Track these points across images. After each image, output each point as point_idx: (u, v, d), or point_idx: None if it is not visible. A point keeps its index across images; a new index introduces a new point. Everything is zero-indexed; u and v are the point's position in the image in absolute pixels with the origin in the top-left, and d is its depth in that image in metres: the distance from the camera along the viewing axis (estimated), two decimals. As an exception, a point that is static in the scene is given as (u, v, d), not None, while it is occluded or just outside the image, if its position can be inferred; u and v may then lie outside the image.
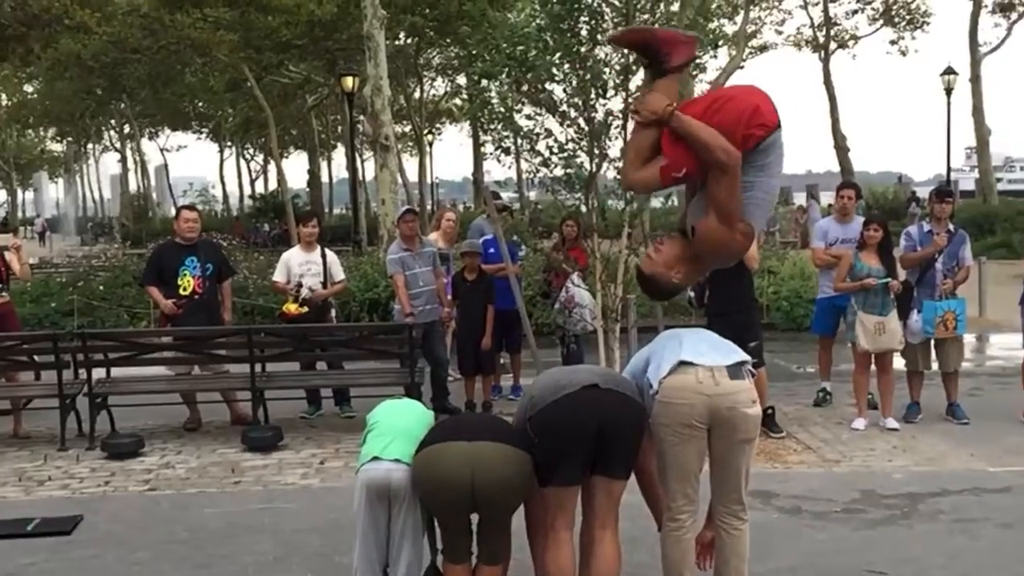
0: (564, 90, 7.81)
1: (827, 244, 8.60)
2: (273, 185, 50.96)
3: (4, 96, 46.00)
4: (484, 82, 8.36)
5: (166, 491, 6.69)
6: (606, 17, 7.91)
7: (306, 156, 47.01)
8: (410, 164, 50.82)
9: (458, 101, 42.09)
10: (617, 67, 7.75)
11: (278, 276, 9.03)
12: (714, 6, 27.62)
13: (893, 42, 35.74)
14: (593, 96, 7.67)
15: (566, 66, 7.68)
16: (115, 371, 8.28)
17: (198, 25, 23.48)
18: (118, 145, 56.87)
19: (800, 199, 34.14)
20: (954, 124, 28.91)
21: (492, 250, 9.23)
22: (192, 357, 8.47)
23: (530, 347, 8.32)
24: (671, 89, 3.85)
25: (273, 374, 8.37)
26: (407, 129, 45.36)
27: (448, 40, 27.95)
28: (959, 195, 45.66)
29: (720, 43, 8.85)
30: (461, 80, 36.82)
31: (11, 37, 21.43)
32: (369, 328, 10.41)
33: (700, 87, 26.87)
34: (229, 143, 54.53)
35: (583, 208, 8.15)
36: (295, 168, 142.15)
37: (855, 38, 36.43)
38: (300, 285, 8.75)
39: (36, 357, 8.41)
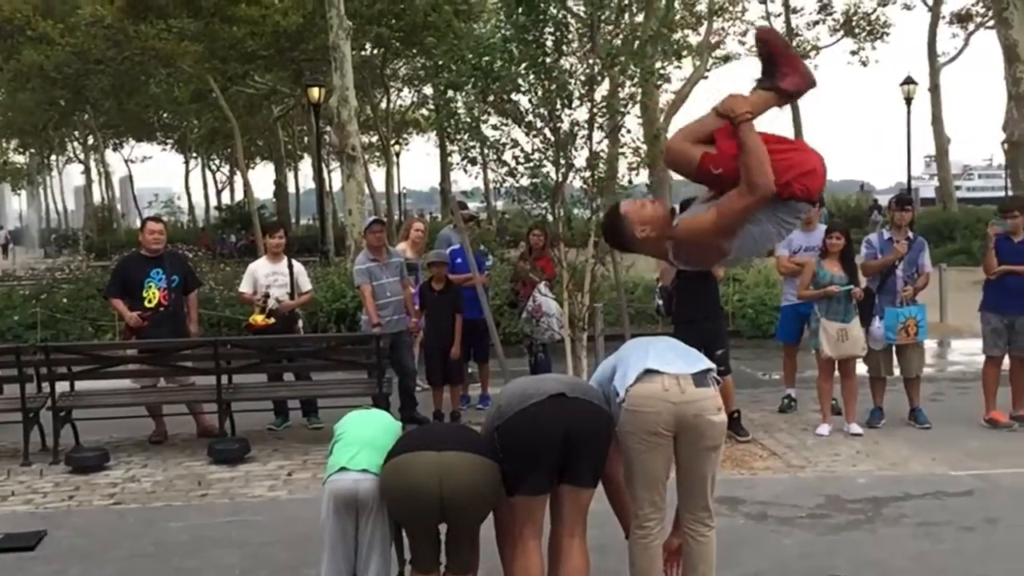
0: (530, 100, 7.85)
1: (791, 252, 8.69)
2: (239, 196, 50.68)
3: (-34, 108, 45.42)
4: (450, 92, 8.38)
5: (131, 505, 6.64)
6: (571, 28, 7.98)
7: (272, 167, 46.88)
8: (377, 174, 50.79)
9: (425, 111, 42.15)
10: (582, 77, 7.81)
11: (244, 287, 8.99)
12: (678, 17, 27.84)
13: (854, 52, 36.36)
14: (559, 106, 7.71)
15: (531, 76, 7.72)
16: (79, 384, 8.20)
17: (162, 36, 23.34)
18: (82, 156, 56.26)
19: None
20: (914, 133, 29.38)
21: (459, 260, 9.25)
22: (157, 369, 8.41)
23: (498, 356, 8.34)
24: (761, 104, 3.81)
25: (240, 386, 8.32)
26: (374, 139, 45.38)
27: (414, 51, 27.99)
28: (919, 203, 46.30)
29: (684, 53, 8.89)
30: (427, 90, 36.91)
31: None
32: (336, 339, 10.38)
33: (665, 97, 26.90)
34: (195, 154, 54.19)
35: (549, 217, 8.19)
36: (261, 179, 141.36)
37: (816, 48, 36.95)
38: (267, 296, 8.72)
39: (-1, 371, 8.32)
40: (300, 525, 5.73)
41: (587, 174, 7.93)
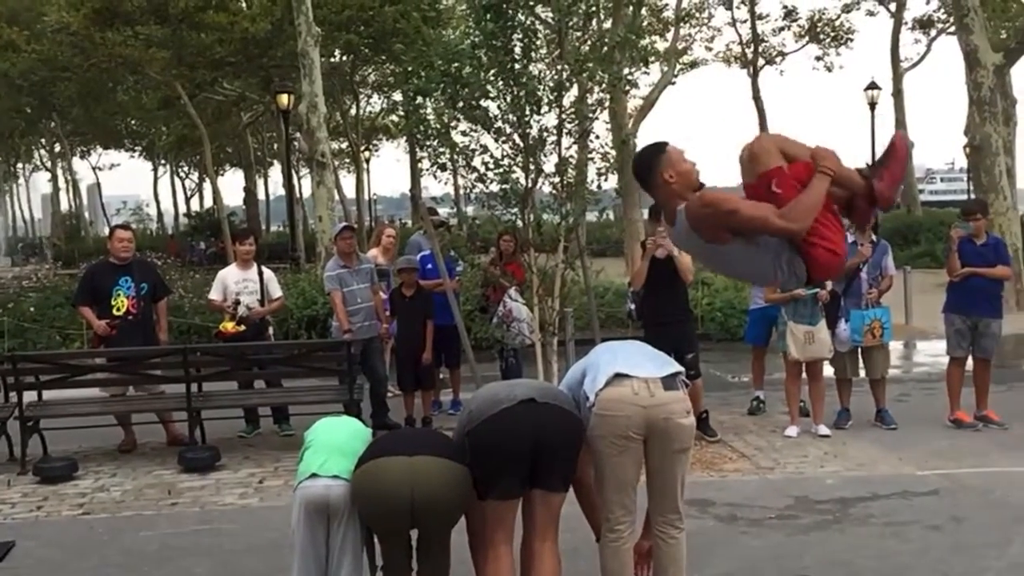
0: (499, 106, 7.87)
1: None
2: (209, 203, 50.44)
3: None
4: (419, 99, 8.39)
5: (100, 515, 6.59)
6: (539, 35, 8.02)
7: (242, 173, 46.59)
8: (347, 181, 50.75)
9: (394, 118, 42.04)
10: (551, 83, 7.85)
11: (214, 294, 8.95)
12: (645, 23, 28.00)
13: (819, 58, 36.68)
14: (528, 112, 7.74)
15: (500, 83, 7.75)
16: (47, 394, 8.11)
17: (129, 43, 23.19)
18: (49, 164, 55.75)
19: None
20: (878, 137, 29.61)
21: (430, 266, 9.26)
22: (126, 378, 8.35)
23: (469, 362, 8.35)
24: (845, 177, 3.81)
25: (210, 393, 8.28)
26: (344, 146, 45.17)
27: (383, 57, 27.96)
28: (885, 206, 46.63)
29: (652, 59, 8.97)
30: (397, 97, 36.77)
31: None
32: (307, 345, 10.36)
33: (633, 102, 27.05)
34: (163, 161, 53.82)
35: (519, 223, 8.21)
36: (231, 185, 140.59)
37: (782, 54, 37.24)
38: (237, 303, 8.69)
39: (-35, 381, 8.23)
40: (271, 532, 5.72)
41: (556, 179, 7.97)
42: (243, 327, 8.64)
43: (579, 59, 7.91)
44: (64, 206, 56.04)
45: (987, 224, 8.80)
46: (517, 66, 7.74)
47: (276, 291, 9.17)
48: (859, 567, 5.22)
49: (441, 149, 8.24)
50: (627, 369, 4.10)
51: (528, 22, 7.79)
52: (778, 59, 37.20)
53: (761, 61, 36.53)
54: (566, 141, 7.95)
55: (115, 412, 8.33)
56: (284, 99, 21.04)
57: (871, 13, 35.39)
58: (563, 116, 7.86)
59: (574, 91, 8.12)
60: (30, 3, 26.59)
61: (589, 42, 8.53)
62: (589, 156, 8.18)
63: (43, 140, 50.65)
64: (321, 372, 8.72)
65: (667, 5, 31.17)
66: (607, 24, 20.21)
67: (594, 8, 8.51)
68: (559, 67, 7.89)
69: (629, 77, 8.62)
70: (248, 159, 43.34)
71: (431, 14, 23.03)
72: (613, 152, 8.33)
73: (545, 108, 7.81)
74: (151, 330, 8.55)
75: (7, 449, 7.92)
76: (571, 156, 8.04)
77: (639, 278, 8.05)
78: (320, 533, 4.16)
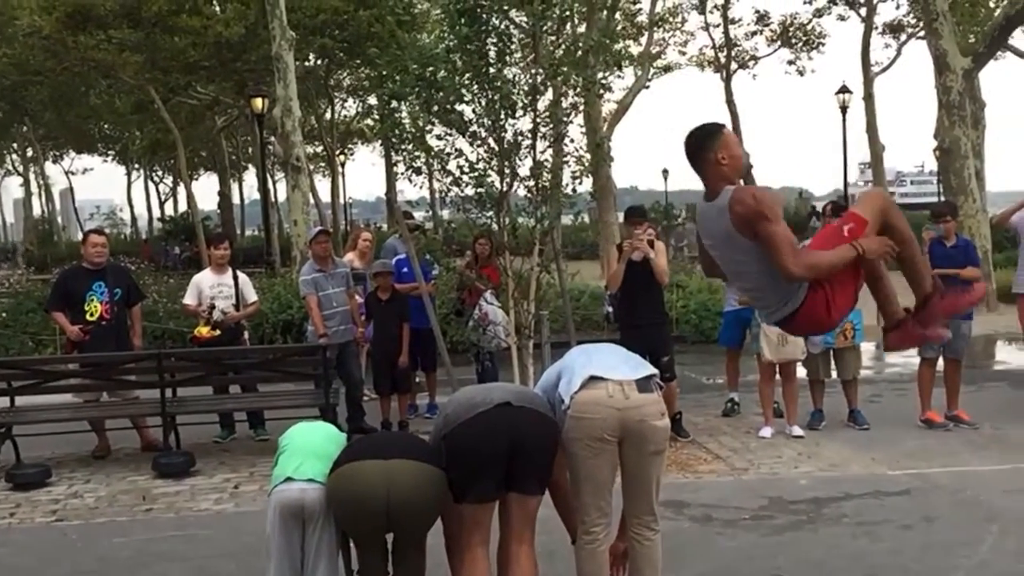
0: (474, 110, 7.88)
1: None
2: (183, 207, 50.11)
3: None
4: (394, 103, 8.39)
5: (74, 521, 6.54)
6: (514, 39, 8.04)
7: (216, 177, 46.36)
8: (323, 184, 50.54)
9: (369, 121, 42.02)
10: (525, 87, 7.87)
11: (189, 299, 8.91)
12: (619, 28, 28.11)
13: (791, 62, 36.99)
14: (502, 116, 7.76)
15: (475, 87, 7.76)
16: (20, 399, 8.04)
17: (102, 46, 23.01)
18: (21, 169, 55.25)
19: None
20: (849, 140, 29.87)
21: (405, 269, 9.26)
22: (100, 383, 8.30)
23: (445, 365, 8.36)
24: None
25: (184, 399, 8.24)
26: (319, 150, 45.09)
27: (358, 61, 27.91)
28: (857, 209, 47.05)
29: (625, 63, 9.03)
30: (372, 101, 36.77)
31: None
32: (283, 350, 10.32)
33: (607, 106, 27.12)
34: (137, 165, 53.45)
35: (495, 226, 8.22)
36: (205, 190, 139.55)
37: (755, 59, 37.57)
38: (213, 307, 8.65)
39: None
40: (247, 537, 5.70)
41: (531, 183, 7.99)
42: (218, 332, 8.60)
43: (553, 63, 7.94)
44: (37, 211, 55.63)
45: (957, 226, 8.91)
46: (492, 70, 7.76)
47: (251, 295, 9.14)
48: (832, 567, 5.27)
49: (416, 153, 8.25)
50: (602, 372, 4.12)
51: (502, 26, 7.80)
52: (751, 63, 37.58)
53: (734, 65, 36.86)
54: (541, 145, 7.97)
55: (89, 418, 8.28)
56: (258, 103, 20.95)
57: (842, 18, 35.70)
58: (538, 120, 7.88)
59: (549, 95, 8.14)
60: (1, 7, 26.35)
61: (563, 46, 8.57)
62: (564, 160, 8.21)
63: (15, 144, 50.24)
64: (297, 376, 8.70)
65: (641, 9, 31.35)
66: (581, 28, 20.30)
67: (568, 12, 8.55)
68: (534, 71, 7.91)
69: (603, 81, 8.66)
70: (222, 163, 43.16)
71: (405, 18, 22.99)
72: (588, 155, 8.36)
73: (520, 112, 7.82)
74: (125, 335, 8.51)
75: (-21, 456, 7.85)
76: (546, 160, 8.07)
77: (615, 280, 8.09)
78: (295, 537, 4.16)
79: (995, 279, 16.41)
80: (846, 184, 30.53)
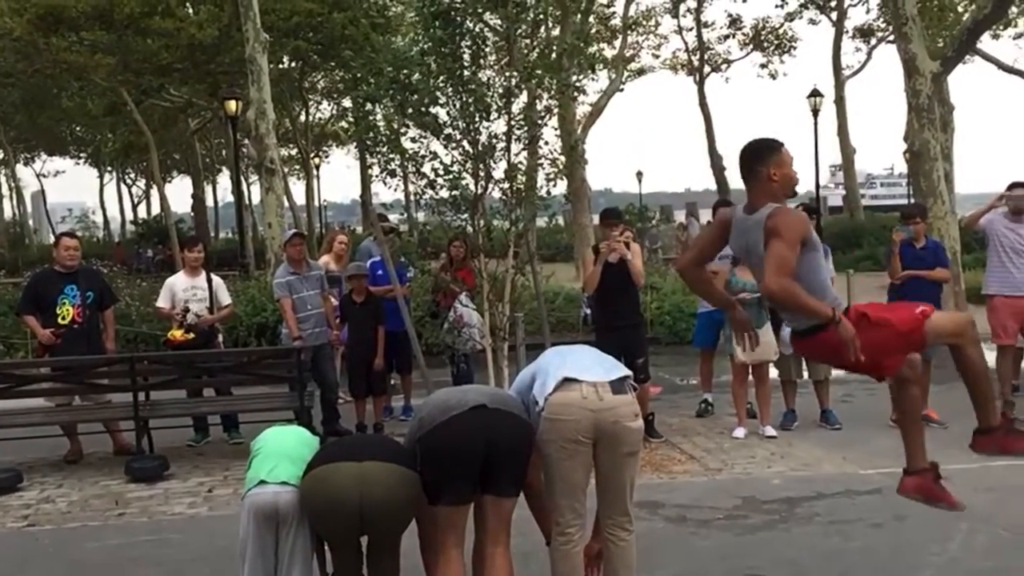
0: (448, 113, 7.90)
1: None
2: (156, 210, 49.76)
3: None
4: (369, 105, 8.39)
5: (46, 526, 6.49)
6: (488, 42, 8.06)
7: (190, 180, 46.05)
8: (297, 187, 50.37)
9: (344, 124, 41.88)
10: (500, 90, 7.90)
11: (162, 302, 8.86)
12: (593, 31, 28.20)
13: (763, 66, 37.29)
14: (477, 119, 7.78)
15: (450, 89, 7.78)
16: (-10, 404, 7.99)
17: (74, 48, 22.82)
18: (-9, 171, 54.68)
19: (680, 217, 35.12)
20: (821, 143, 29.97)
21: (380, 272, 9.26)
22: (72, 387, 8.24)
23: (420, 367, 8.37)
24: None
25: (158, 402, 8.19)
26: (293, 152, 44.90)
27: (332, 64, 27.80)
28: (828, 211, 47.45)
29: (599, 66, 9.07)
30: (346, 103, 36.66)
31: None
32: (257, 353, 10.28)
33: (581, 109, 27.17)
34: (109, 168, 53.04)
35: (470, 229, 8.25)
36: (179, 192, 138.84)
37: (727, 62, 37.82)
38: (186, 310, 8.61)
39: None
40: (221, 541, 5.68)
41: (506, 185, 8.02)
42: (192, 335, 8.56)
43: (528, 66, 7.96)
44: (8, 213, 55.17)
45: (926, 228, 9.00)
46: (466, 73, 7.79)
47: (225, 298, 9.10)
48: (805, 566, 5.31)
49: (391, 155, 8.27)
50: (576, 373, 4.14)
51: (477, 29, 7.83)
52: (723, 66, 37.84)
53: (707, 68, 37.12)
54: (515, 147, 8.00)
55: (61, 422, 8.21)
56: (232, 105, 20.83)
57: (813, 22, 35.97)
58: (512, 122, 7.91)
59: (523, 98, 8.17)
60: (-28, 9, 26.09)
61: (538, 49, 8.60)
62: (538, 162, 8.24)
63: (-15, 147, 49.69)
64: (271, 379, 8.67)
65: (615, 13, 31.50)
66: (555, 31, 20.37)
67: (542, 15, 8.59)
68: (508, 74, 7.94)
69: (577, 84, 8.70)
70: (196, 166, 42.85)
71: (380, 21, 22.97)
72: (562, 158, 8.40)
73: (494, 114, 7.85)
74: (97, 339, 8.45)
75: (-51, 461, 7.77)
76: (520, 162, 8.10)
77: (592, 282, 8.12)
78: (270, 541, 4.15)
79: (964, 280, 16.54)
80: (818, 186, 30.74)
